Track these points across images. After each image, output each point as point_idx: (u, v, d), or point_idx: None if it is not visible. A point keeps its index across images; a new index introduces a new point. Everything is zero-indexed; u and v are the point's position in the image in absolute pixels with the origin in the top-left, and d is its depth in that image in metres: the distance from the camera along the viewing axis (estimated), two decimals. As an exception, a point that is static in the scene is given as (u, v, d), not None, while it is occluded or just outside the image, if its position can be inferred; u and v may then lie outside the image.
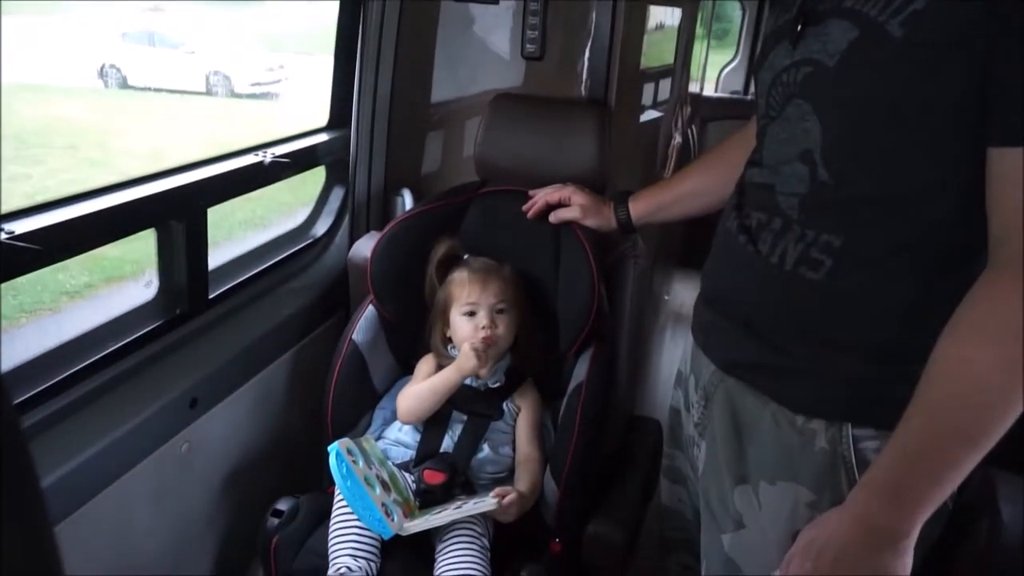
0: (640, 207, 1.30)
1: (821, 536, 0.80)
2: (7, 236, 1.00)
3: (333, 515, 1.19)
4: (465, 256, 1.37)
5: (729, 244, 0.92)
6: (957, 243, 0.77)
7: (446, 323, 1.34)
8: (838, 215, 0.81)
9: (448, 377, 1.28)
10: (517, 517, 1.19)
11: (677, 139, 2.98)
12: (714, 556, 0.96)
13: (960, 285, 0.74)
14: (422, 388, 1.30)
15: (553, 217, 1.37)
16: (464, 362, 1.27)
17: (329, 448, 1.17)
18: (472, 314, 1.30)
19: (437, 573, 1.15)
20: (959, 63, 0.72)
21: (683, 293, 3.48)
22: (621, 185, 1.41)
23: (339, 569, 1.12)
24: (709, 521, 0.97)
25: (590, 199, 1.34)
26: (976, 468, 0.83)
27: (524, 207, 1.39)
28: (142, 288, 1.30)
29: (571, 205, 1.35)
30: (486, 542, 1.18)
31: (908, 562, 0.77)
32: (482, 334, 1.28)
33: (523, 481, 1.26)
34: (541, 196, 1.37)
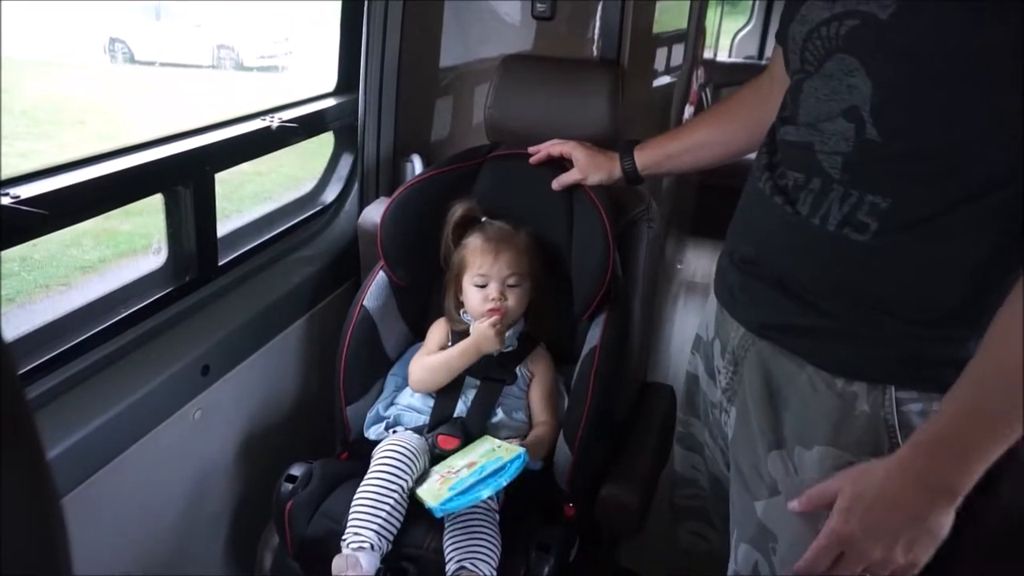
0: (646, 156, 1.26)
1: (869, 493, 0.78)
2: (13, 201, 0.99)
3: (366, 487, 1.16)
4: (483, 219, 1.35)
5: (763, 205, 0.89)
6: (1008, 200, 0.74)
7: (459, 288, 1.33)
8: (885, 174, 0.78)
9: (464, 352, 1.28)
10: (533, 459, 1.19)
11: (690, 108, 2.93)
12: (747, 523, 0.93)
13: (1010, 243, 0.72)
14: (436, 361, 1.29)
15: (556, 184, 1.35)
16: (483, 342, 1.27)
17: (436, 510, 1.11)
18: (483, 285, 1.29)
19: (447, 537, 1.14)
20: (1020, 7, 0.68)
21: (695, 262, 3.47)
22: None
23: (361, 543, 1.10)
24: (740, 488, 0.95)
25: (591, 154, 1.32)
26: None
27: (530, 149, 1.37)
28: (152, 259, 1.30)
29: (572, 164, 1.33)
30: (493, 504, 1.17)
31: (952, 517, 0.76)
32: (489, 306, 1.27)
33: (532, 437, 1.26)
34: (545, 146, 1.36)
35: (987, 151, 0.73)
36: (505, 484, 1.09)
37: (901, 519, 0.76)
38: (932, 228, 0.76)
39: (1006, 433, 0.72)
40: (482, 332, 1.27)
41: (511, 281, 1.29)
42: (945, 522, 0.76)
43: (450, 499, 1.09)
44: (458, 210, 1.34)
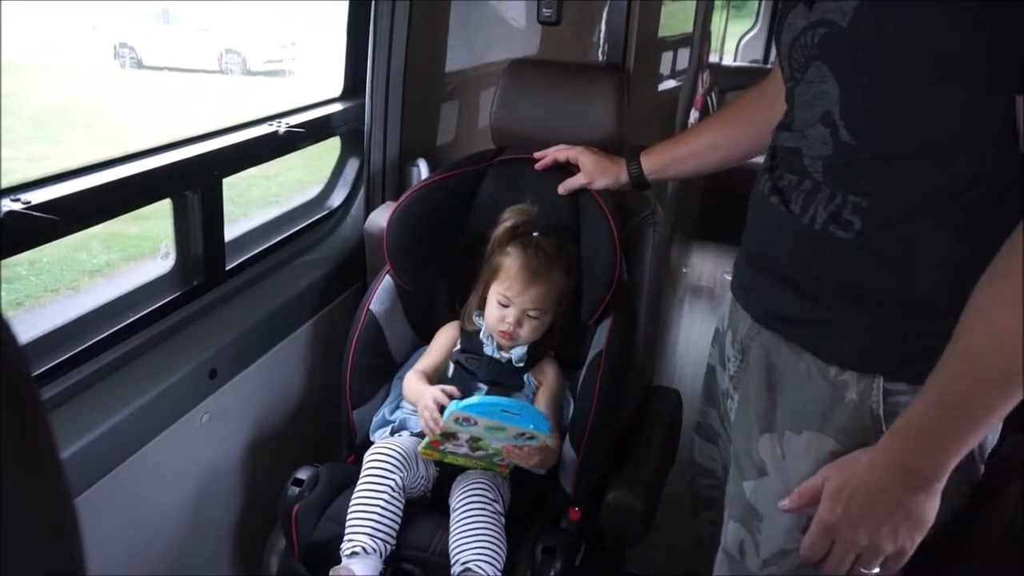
0: (653, 161, 1.27)
1: (852, 481, 0.80)
2: (24, 206, 1.00)
3: (356, 493, 1.17)
4: (535, 233, 1.32)
5: (764, 205, 0.93)
6: (987, 195, 0.76)
7: (486, 289, 1.32)
8: (863, 175, 0.81)
9: (417, 397, 1.27)
10: (540, 465, 1.20)
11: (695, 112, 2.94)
12: (737, 503, 0.97)
13: (993, 237, 0.73)
14: (412, 386, 1.30)
15: (562, 189, 1.35)
16: (420, 404, 1.24)
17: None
18: (506, 306, 1.29)
19: (452, 539, 1.15)
20: (970, 13, 0.70)
21: (701, 265, 3.46)
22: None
23: (354, 548, 1.11)
24: (735, 469, 0.98)
25: (597, 159, 1.32)
26: (1007, 434, 0.83)
27: (536, 154, 1.37)
28: (160, 262, 1.31)
29: (578, 168, 1.33)
30: (499, 507, 1.18)
31: (937, 504, 0.78)
32: (503, 328, 1.28)
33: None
34: (551, 151, 1.36)
35: (955, 152, 0.76)
36: (524, 428, 1.11)
37: (883, 506, 0.79)
38: (913, 225, 0.79)
39: (979, 421, 0.75)
40: (421, 412, 1.22)
41: (532, 314, 1.28)
42: (927, 508, 0.78)
43: (467, 405, 1.10)
44: (511, 218, 1.32)
